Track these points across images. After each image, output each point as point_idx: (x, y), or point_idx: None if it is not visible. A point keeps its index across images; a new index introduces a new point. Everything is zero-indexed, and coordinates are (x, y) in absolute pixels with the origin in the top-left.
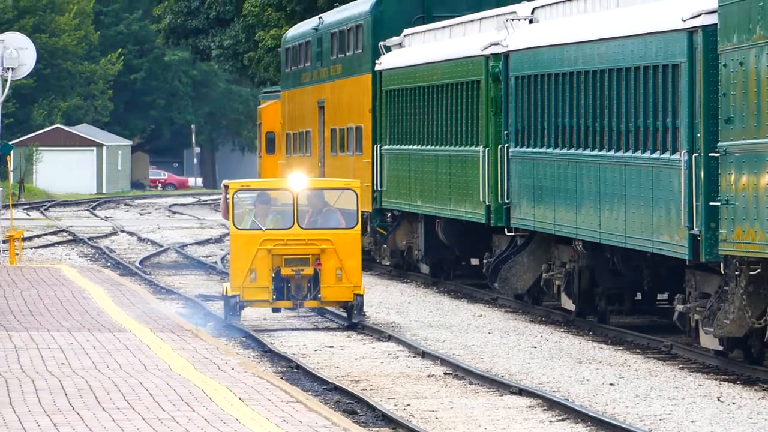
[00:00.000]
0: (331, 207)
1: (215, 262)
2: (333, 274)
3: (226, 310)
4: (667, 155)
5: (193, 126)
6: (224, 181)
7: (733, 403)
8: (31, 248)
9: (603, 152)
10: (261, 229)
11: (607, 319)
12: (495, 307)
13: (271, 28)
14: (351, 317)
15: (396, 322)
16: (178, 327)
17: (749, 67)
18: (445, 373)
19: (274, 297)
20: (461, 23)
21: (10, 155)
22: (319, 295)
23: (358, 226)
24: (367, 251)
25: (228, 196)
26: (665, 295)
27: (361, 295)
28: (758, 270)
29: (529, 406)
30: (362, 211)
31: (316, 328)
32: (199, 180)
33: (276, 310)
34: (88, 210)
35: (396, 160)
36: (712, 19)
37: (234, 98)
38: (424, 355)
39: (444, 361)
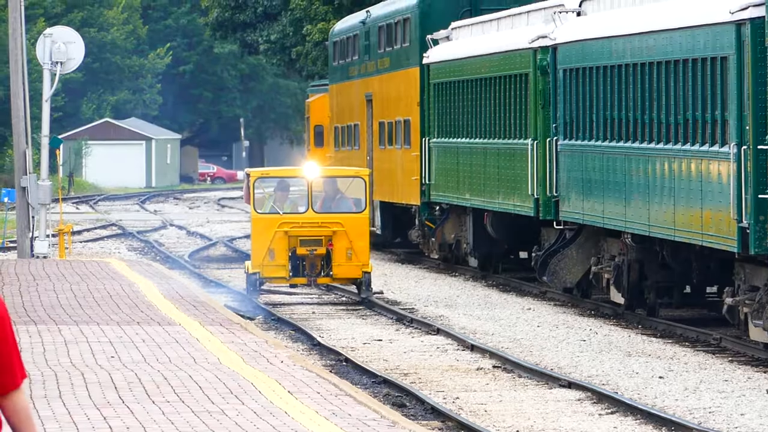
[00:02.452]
0: (343, 194)
1: None
2: (344, 253)
3: (247, 285)
4: (715, 148)
5: (241, 119)
6: (246, 170)
7: None
8: (81, 242)
9: (652, 145)
10: (279, 213)
11: (656, 312)
12: (544, 300)
13: (319, 21)
14: (360, 292)
15: (444, 315)
16: (227, 320)
17: None
18: (494, 366)
19: (291, 274)
20: (509, 16)
21: (59, 149)
22: (331, 273)
23: (367, 211)
24: (416, 245)
25: (249, 183)
26: (714, 288)
27: (369, 273)
28: None
29: (579, 399)
30: (411, 204)
31: (364, 322)
32: None
33: (293, 286)
34: (137, 204)
35: (444, 153)
36: (760, 12)
37: (282, 92)
38: (473, 348)
39: (493, 354)
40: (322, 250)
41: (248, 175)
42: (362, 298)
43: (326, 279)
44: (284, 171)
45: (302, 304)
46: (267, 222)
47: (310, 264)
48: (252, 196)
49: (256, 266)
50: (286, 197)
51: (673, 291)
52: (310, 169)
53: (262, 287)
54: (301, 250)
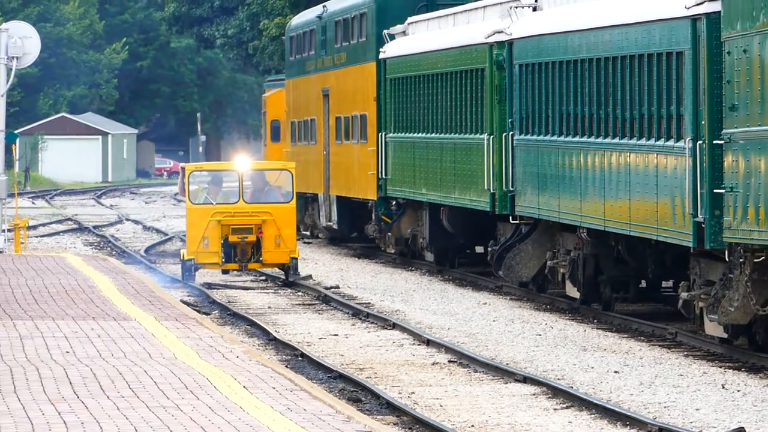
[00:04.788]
0: (271, 185)
1: None
2: (272, 240)
3: (183, 271)
4: (671, 143)
5: (198, 114)
6: (181, 164)
7: (738, 391)
8: (36, 237)
9: (608, 140)
10: (212, 204)
11: (611, 306)
12: (500, 294)
13: (276, 16)
14: (288, 276)
15: (400, 310)
16: (182, 315)
17: (753, 55)
18: (449, 361)
19: (223, 260)
20: (465, 11)
21: (15, 144)
22: (261, 258)
23: (293, 201)
24: (372, 239)
25: (185, 176)
26: (670, 283)
27: (296, 258)
28: (762, 257)
29: (534, 394)
30: (367, 199)
31: (320, 316)
32: None
33: (225, 271)
34: (93, 198)
35: (401, 148)
36: (716, 7)
37: (239, 86)
38: (428, 342)
39: (448, 349)
40: (252, 238)
41: (183, 169)
42: (289, 281)
43: (256, 264)
44: (217, 165)
45: (256, 295)
46: (201, 212)
47: (241, 250)
48: (187, 189)
49: (191, 253)
50: (219, 190)
51: (628, 285)
52: (241, 162)
53: (197, 273)
54: (233, 238)
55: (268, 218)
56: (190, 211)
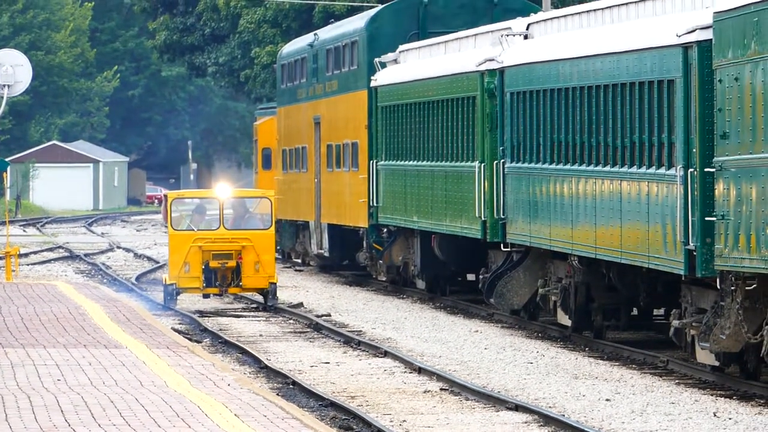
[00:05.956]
0: (251, 212)
1: None
2: (252, 266)
3: (165, 295)
4: (662, 170)
5: (189, 142)
6: (164, 192)
7: (729, 419)
8: (28, 265)
9: (599, 167)
10: (193, 230)
11: (603, 334)
12: (491, 322)
13: (267, 44)
14: (266, 301)
15: (392, 337)
16: (173, 343)
17: (744, 83)
18: (441, 389)
19: (204, 285)
20: (456, 39)
21: (6, 172)
22: (241, 283)
23: (272, 228)
24: (363, 267)
25: (167, 204)
26: (661, 311)
27: (275, 283)
28: (754, 285)
29: (525, 422)
30: (358, 227)
31: (312, 344)
32: None
33: (206, 296)
34: (84, 226)
35: (392, 175)
36: (707, 35)
37: (230, 114)
38: (420, 370)
39: (440, 377)
40: (232, 263)
41: (166, 197)
42: (268, 305)
43: (236, 289)
44: (198, 193)
45: (247, 323)
46: (183, 238)
47: (221, 275)
48: (169, 216)
49: (173, 278)
50: (202, 219)
51: (620, 313)
52: (222, 190)
53: (180, 297)
54: (214, 263)
55: (247, 244)
56: (172, 237)
